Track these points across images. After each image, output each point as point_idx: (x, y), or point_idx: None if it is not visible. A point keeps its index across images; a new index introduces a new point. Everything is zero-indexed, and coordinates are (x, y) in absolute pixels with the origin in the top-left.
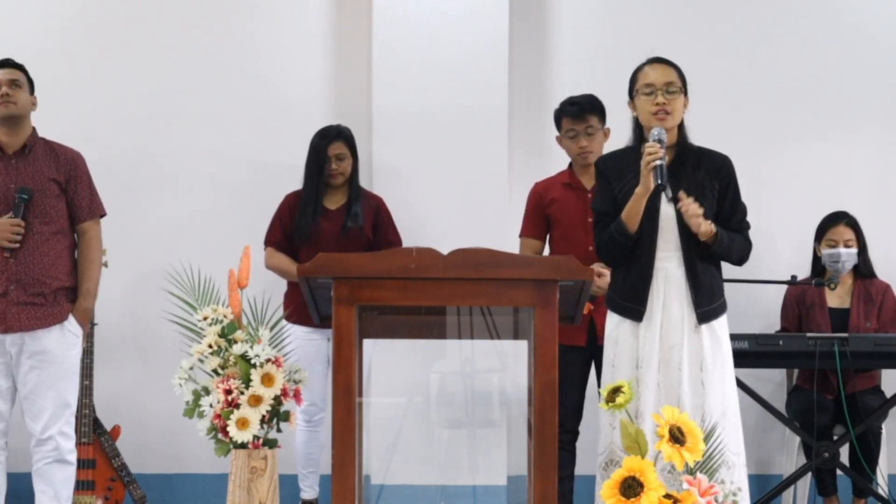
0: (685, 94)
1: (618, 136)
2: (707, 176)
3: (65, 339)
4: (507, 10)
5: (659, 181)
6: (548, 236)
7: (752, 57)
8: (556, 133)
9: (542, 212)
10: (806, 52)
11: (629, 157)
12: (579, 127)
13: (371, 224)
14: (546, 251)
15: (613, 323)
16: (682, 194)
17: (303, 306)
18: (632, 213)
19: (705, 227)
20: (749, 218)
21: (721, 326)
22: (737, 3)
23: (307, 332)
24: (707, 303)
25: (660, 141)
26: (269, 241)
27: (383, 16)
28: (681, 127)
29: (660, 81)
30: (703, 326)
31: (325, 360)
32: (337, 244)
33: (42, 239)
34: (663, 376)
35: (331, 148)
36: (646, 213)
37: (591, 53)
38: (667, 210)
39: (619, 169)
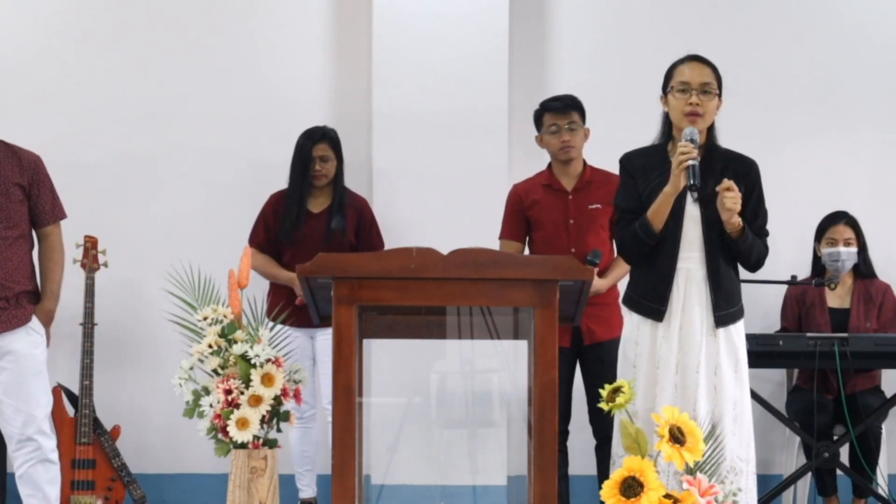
0: (720, 95)
1: (615, 137)
2: (733, 179)
3: (30, 338)
4: (507, 10)
5: (691, 181)
6: (527, 238)
7: (752, 57)
8: (537, 134)
9: (522, 214)
10: (806, 52)
11: (655, 155)
12: (562, 122)
13: (354, 227)
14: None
15: (633, 323)
16: (727, 181)
17: (286, 306)
18: (659, 212)
19: (736, 219)
20: None
21: (738, 332)
22: (737, 4)
23: (290, 330)
24: (726, 306)
25: (692, 140)
26: (251, 242)
27: (383, 16)
28: (711, 128)
29: (696, 81)
30: (721, 330)
31: (310, 358)
32: (320, 247)
33: (6, 244)
34: (681, 379)
35: (315, 149)
36: (670, 212)
37: (591, 53)
38: (691, 210)
39: (645, 166)
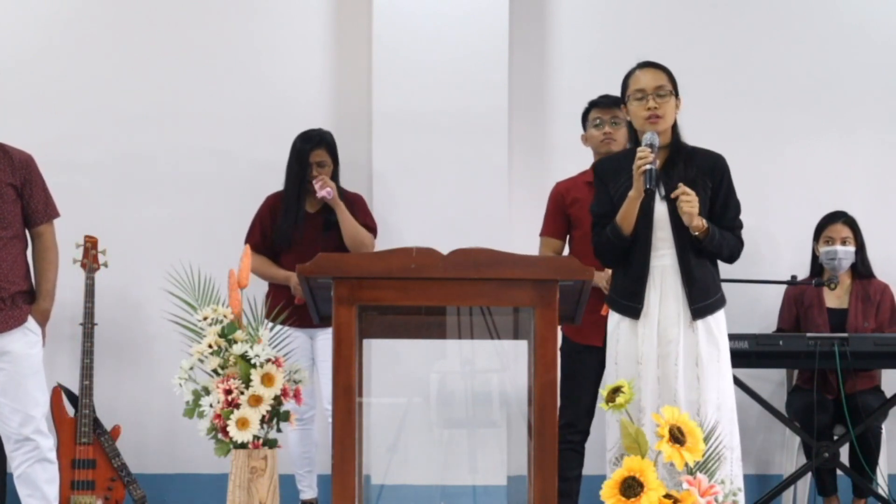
0: (676, 95)
1: None
2: (699, 174)
3: (26, 338)
4: (507, 10)
5: (647, 186)
6: (568, 236)
7: (752, 57)
8: (582, 133)
9: (563, 211)
10: (806, 52)
11: (625, 160)
12: (605, 116)
13: None
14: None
15: (614, 322)
16: (682, 186)
17: (285, 307)
18: (626, 216)
19: (697, 222)
20: (749, 218)
21: (717, 322)
22: (737, 4)
23: (290, 331)
24: (702, 299)
25: (651, 146)
26: (248, 243)
27: (383, 16)
28: (674, 127)
29: (650, 86)
30: (699, 322)
31: (309, 359)
32: (317, 247)
33: (0, 245)
34: (662, 372)
35: (312, 155)
36: (640, 212)
37: (591, 53)
38: (661, 209)
39: (615, 171)
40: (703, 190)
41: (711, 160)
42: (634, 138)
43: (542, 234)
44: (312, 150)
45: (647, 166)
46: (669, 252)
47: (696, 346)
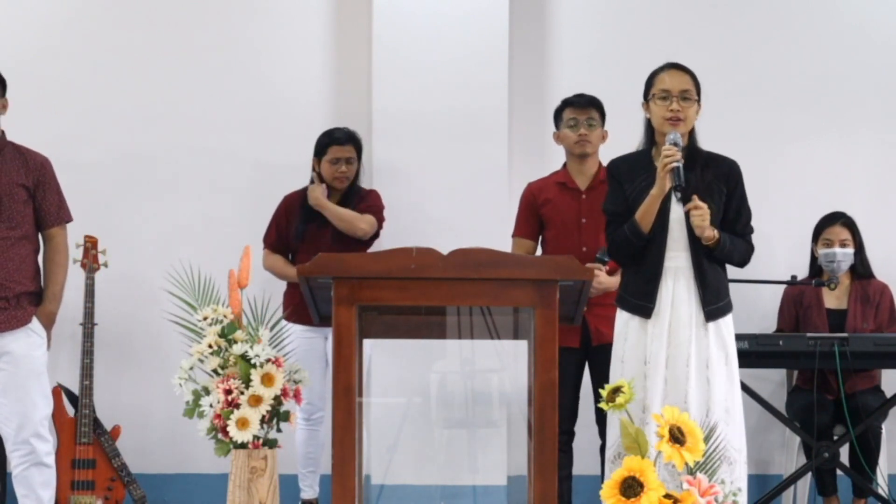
0: (698, 101)
1: (615, 136)
2: (714, 180)
3: (30, 339)
4: (507, 10)
5: (676, 182)
6: (541, 237)
7: (752, 57)
8: (554, 131)
9: (535, 212)
10: (806, 52)
11: (640, 160)
12: (581, 116)
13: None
14: (539, 252)
15: (623, 320)
16: (695, 198)
17: (301, 305)
18: (646, 214)
19: (709, 233)
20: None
21: (727, 325)
22: (737, 4)
23: (305, 330)
24: (714, 301)
25: (676, 144)
26: (265, 243)
27: (383, 16)
28: (691, 132)
29: (676, 89)
30: (710, 324)
31: (323, 359)
32: (332, 244)
33: (8, 244)
34: (671, 373)
35: (341, 150)
36: (656, 213)
37: (591, 53)
38: (676, 210)
39: (631, 170)
40: (717, 195)
41: (727, 166)
42: (650, 137)
43: (514, 235)
44: (341, 146)
45: (675, 164)
46: (683, 254)
47: (708, 349)
